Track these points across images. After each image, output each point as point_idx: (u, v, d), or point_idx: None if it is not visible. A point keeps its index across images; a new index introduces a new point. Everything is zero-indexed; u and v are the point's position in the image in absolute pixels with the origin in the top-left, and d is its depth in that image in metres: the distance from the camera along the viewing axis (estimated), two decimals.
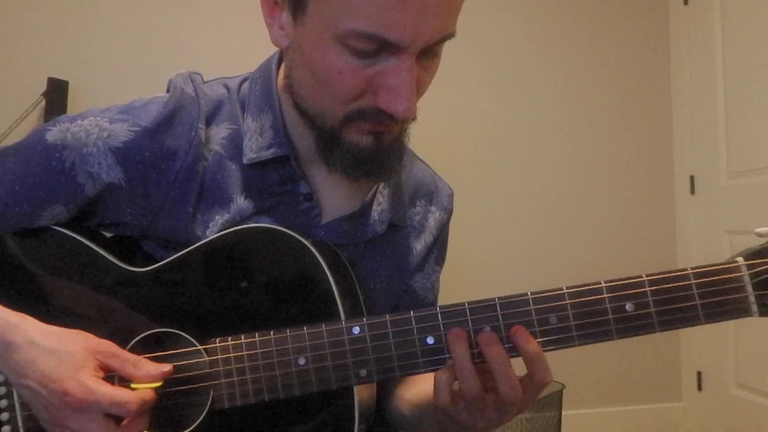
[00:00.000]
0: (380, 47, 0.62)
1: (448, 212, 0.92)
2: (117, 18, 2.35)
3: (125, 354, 0.66)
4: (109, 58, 2.34)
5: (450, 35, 0.64)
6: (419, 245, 0.87)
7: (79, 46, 2.32)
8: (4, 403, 0.71)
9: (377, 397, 0.80)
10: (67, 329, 0.67)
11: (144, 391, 0.64)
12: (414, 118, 0.67)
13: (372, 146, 0.69)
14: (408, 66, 0.62)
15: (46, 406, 0.63)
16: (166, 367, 0.66)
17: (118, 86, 2.31)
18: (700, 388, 2.51)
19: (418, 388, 0.81)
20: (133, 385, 0.65)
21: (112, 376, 0.67)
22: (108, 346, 0.66)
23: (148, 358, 0.71)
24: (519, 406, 0.63)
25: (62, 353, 0.63)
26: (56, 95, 2.19)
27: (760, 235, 0.62)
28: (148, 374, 0.65)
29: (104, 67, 2.33)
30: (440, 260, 0.92)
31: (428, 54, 0.65)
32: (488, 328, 0.63)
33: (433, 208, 0.89)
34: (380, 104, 0.65)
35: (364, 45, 0.61)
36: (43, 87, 2.18)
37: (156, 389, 0.66)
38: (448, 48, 0.67)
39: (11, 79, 2.28)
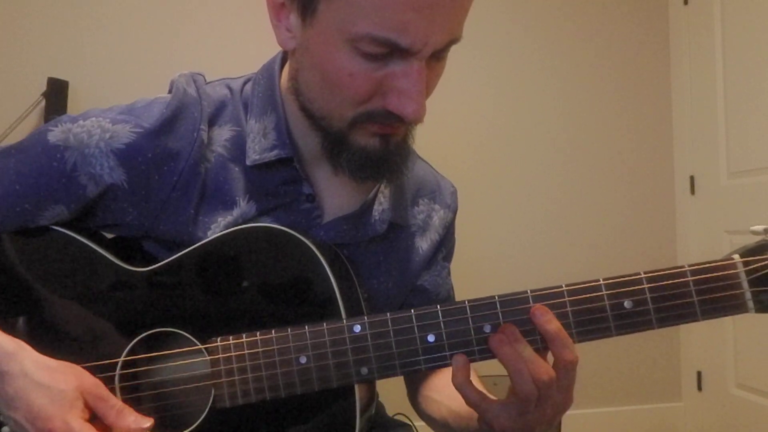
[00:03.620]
0: (391, 51, 0.62)
1: (453, 210, 0.92)
2: (117, 18, 2.35)
3: (112, 400, 0.66)
4: (109, 58, 2.34)
5: (457, 39, 0.65)
6: (425, 244, 0.87)
7: (79, 46, 2.32)
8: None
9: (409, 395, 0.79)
10: (62, 362, 0.66)
11: None
12: (422, 121, 0.68)
13: (379, 148, 0.70)
14: (418, 69, 0.63)
15: None
16: (147, 423, 0.66)
17: (118, 86, 2.31)
18: (699, 387, 2.51)
19: (458, 402, 0.79)
20: None
21: None
22: (98, 388, 0.66)
23: (149, 357, 0.71)
24: (556, 397, 0.64)
25: (53, 390, 0.63)
26: (56, 95, 2.19)
27: (755, 232, 0.63)
28: (127, 426, 0.65)
29: (104, 67, 2.33)
30: (448, 257, 0.93)
31: (435, 57, 0.66)
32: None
33: (436, 207, 0.90)
34: (390, 106, 0.65)
35: (376, 49, 0.62)
36: (43, 87, 2.18)
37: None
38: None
39: (11, 79, 2.28)
